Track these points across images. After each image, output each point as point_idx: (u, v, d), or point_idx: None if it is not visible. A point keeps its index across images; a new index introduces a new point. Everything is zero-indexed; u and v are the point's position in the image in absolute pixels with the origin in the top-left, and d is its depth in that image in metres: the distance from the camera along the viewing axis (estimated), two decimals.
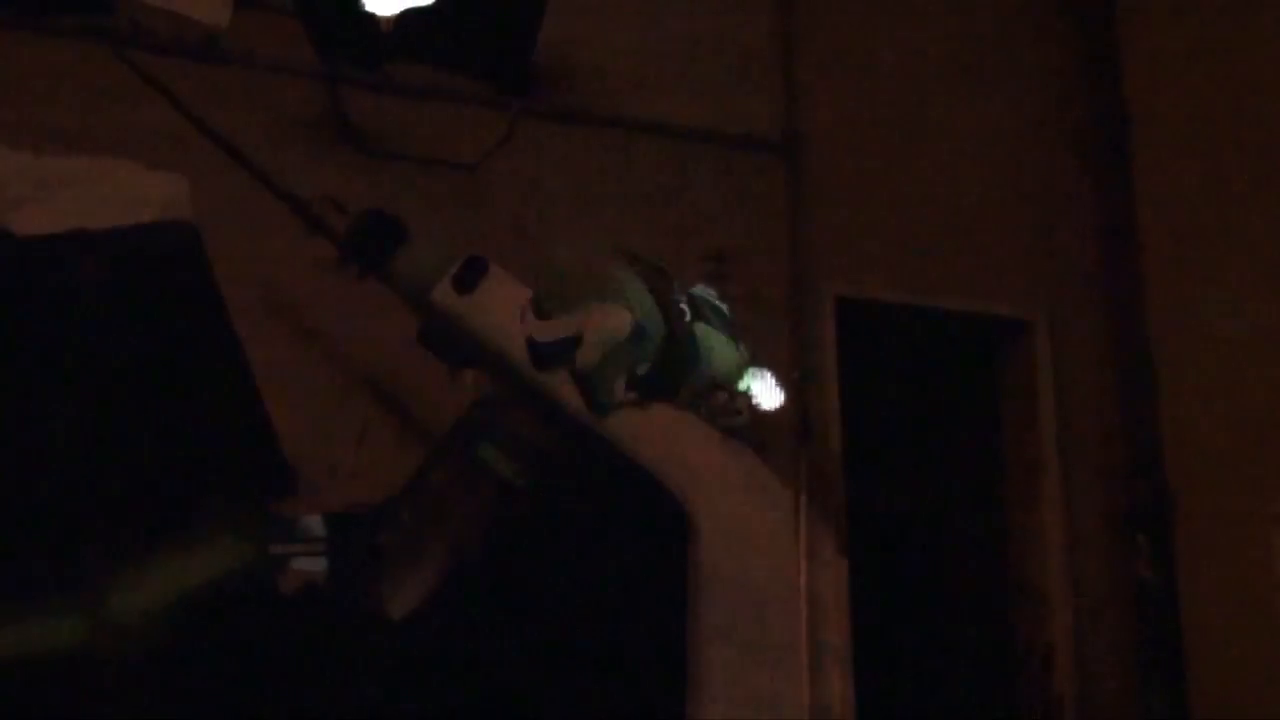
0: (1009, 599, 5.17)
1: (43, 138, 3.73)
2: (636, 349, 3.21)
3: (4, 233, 3.35)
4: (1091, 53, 5.60)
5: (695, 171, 4.77)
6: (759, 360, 3.54)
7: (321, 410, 3.96)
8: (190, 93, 3.96)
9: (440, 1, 3.85)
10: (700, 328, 3.35)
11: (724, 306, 3.49)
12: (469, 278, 3.50)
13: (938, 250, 5.13)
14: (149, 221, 3.38)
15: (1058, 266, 5.36)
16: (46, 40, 3.92)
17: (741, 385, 3.47)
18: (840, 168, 5.04)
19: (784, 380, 3.66)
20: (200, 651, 3.18)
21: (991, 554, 5.20)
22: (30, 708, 2.97)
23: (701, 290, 3.48)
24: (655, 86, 4.82)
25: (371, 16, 3.83)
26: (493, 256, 3.64)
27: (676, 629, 3.44)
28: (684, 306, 3.34)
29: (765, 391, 3.55)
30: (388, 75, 4.35)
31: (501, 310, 3.38)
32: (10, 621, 3.00)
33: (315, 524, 3.63)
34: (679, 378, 3.34)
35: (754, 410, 3.54)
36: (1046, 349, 5.28)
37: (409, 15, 3.86)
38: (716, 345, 3.40)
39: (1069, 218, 5.45)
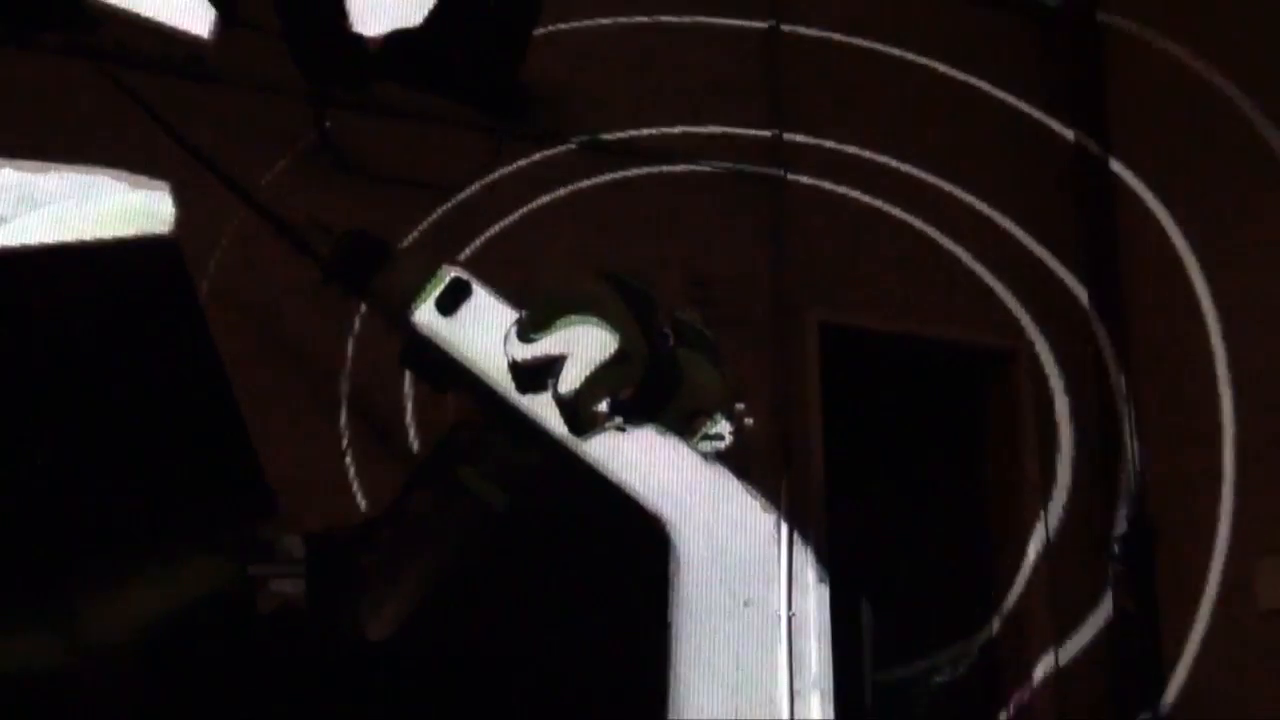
0: (989, 625, 5.17)
1: (25, 154, 3.72)
2: (619, 372, 3.21)
3: None
4: (1075, 84, 5.64)
5: (681, 196, 4.79)
6: (742, 386, 3.54)
7: (302, 430, 3.95)
8: (174, 111, 3.95)
9: (428, 24, 3.85)
10: (683, 352, 3.36)
11: (708, 331, 3.49)
12: (452, 300, 3.49)
13: (922, 279, 5.15)
14: (130, 237, 3.36)
15: (1041, 297, 5.38)
16: (30, 56, 3.92)
17: (724, 410, 3.47)
18: (826, 195, 5.06)
19: (767, 406, 3.66)
20: (176, 673, 3.15)
21: (973, 580, 5.20)
22: None
23: (685, 314, 3.49)
24: (642, 112, 4.84)
25: (358, 38, 3.84)
26: (476, 279, 3.64)
27: (656, 653, 3.43)
28: (667, 330, 3.35)
29: (747, 417, 3.54)
30: (374, 96, 4.35)
31: (484, 332, 3.38)
32: None
33: (294, 545, 3.60)
34: (661, 402, 3.34)
35: (736, 436, 3.53)
36: (1029, 379, 5.29)
37: (396, 37, 3.86)
38: (699, 370, 3.40)
39: (1053, 248, 5.47)
